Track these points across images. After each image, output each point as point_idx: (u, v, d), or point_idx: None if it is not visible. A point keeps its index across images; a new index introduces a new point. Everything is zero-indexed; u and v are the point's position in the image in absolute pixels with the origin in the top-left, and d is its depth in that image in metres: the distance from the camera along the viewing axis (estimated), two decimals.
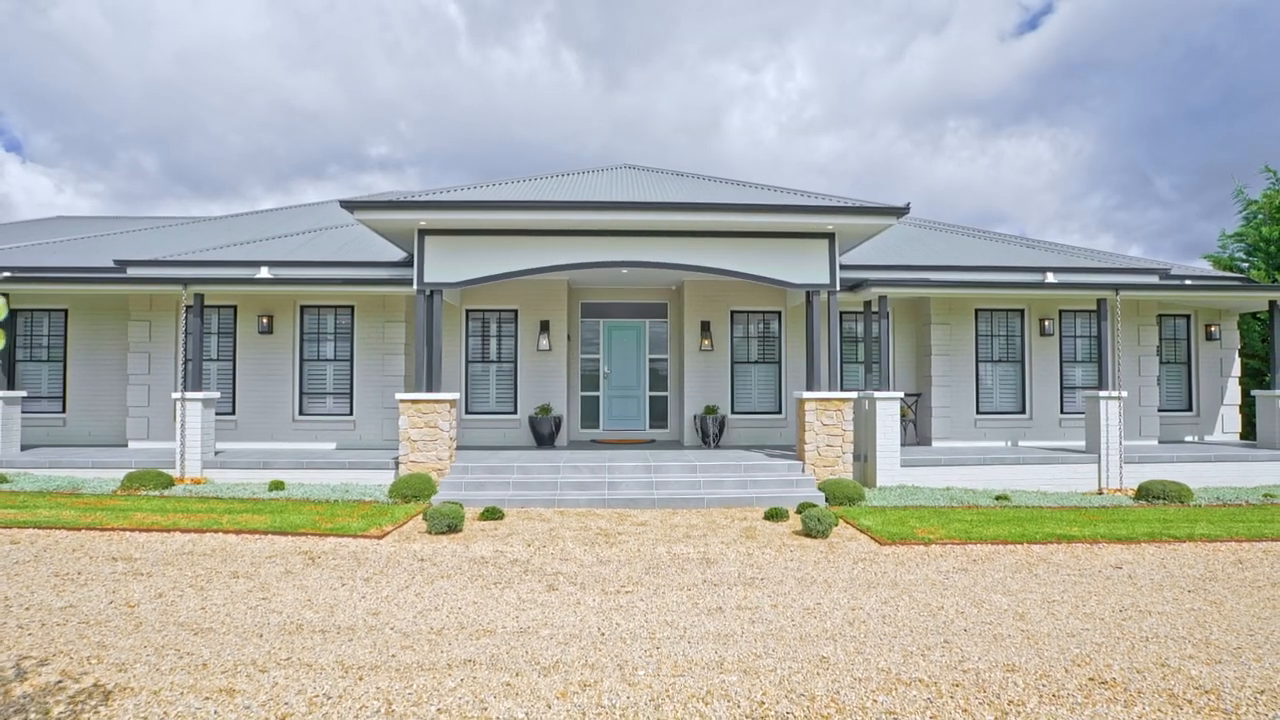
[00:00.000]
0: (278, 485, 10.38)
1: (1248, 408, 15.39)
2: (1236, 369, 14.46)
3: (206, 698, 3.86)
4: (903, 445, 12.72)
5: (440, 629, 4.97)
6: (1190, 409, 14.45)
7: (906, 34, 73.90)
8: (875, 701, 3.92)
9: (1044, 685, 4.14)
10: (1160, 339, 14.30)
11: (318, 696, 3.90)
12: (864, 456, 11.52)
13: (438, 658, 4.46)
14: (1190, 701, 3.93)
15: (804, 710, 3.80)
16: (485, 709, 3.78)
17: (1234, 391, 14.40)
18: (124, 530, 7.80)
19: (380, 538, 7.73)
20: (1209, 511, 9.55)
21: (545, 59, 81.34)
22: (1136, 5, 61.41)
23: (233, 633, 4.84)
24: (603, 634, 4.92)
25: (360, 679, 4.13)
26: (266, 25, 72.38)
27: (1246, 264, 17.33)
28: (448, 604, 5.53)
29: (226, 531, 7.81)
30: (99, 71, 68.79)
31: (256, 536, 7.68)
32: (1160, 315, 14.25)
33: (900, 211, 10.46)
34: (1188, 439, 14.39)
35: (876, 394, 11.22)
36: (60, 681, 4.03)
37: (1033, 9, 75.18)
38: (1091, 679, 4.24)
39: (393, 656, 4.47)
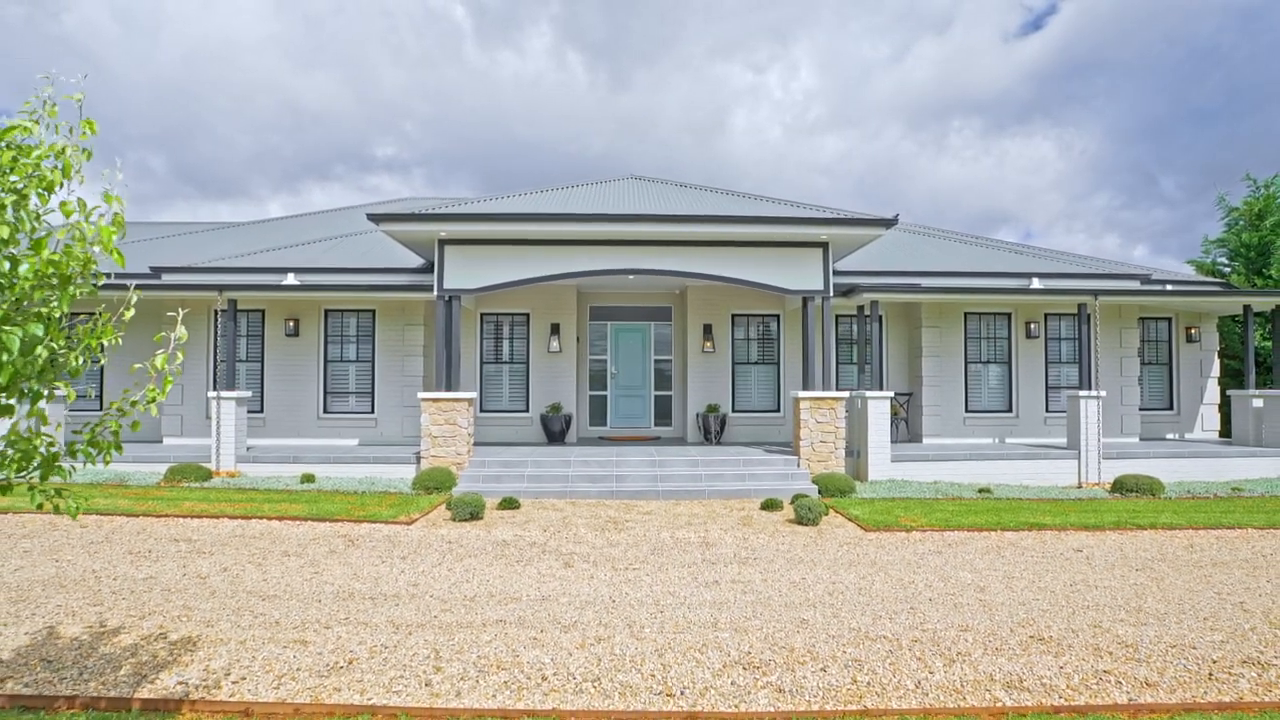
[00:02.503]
0: (309, 478, 11.17)
1: (1226, 407, 16.01)
2: (1216, 370, 15.11)
3: (285, 646, 4.63)
4: (895, 442, 13.42)
5: (473, 597, 5.74)
6: (1171, 408, 15.12)
7: (910, 34, 74.40)
8: (844, 652, 4.66)
9: (990, 641, 4.87)
10: (1142, 341, 14.96)
11: (376, 646, 4.66)
12: (857, 452, 12.23)
13: (473, 618, 5.22)
14: (1110, 653, 4.66)
15: (783, 658, 4.55)
16: (517, 656, 4.53)
17: (1213, 391, 15.06)
18: (177, 517, 8.59)
19: (410, 524, 8.50)
20: (1176, 503, 10.24)
21: (551, 60, 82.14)
22: (1139, 6, 61.82)
23: (295, 599, 5.61)
24: (614, 601, 5.67)
25: (409, 634, 4.89)
26: (273, 27, 73.42)
27: (1228, 269, 17.97)
28: (477, 577, 6.29)
29: (269, 518, 8.59)
30: (107, 73, 69.84)
31: (298, 522, 8.47)
32: (1142, 318, 14.91)
33: (889, 223, 11.18)
34: (1169, 436, 15.05)
35: (868, 393, 11.93)
36: (159, 633, 4.81)
37: (1036, 10, 75.60)
38: (1032, 637, 4.96)
39: (434, 617, 5.24)
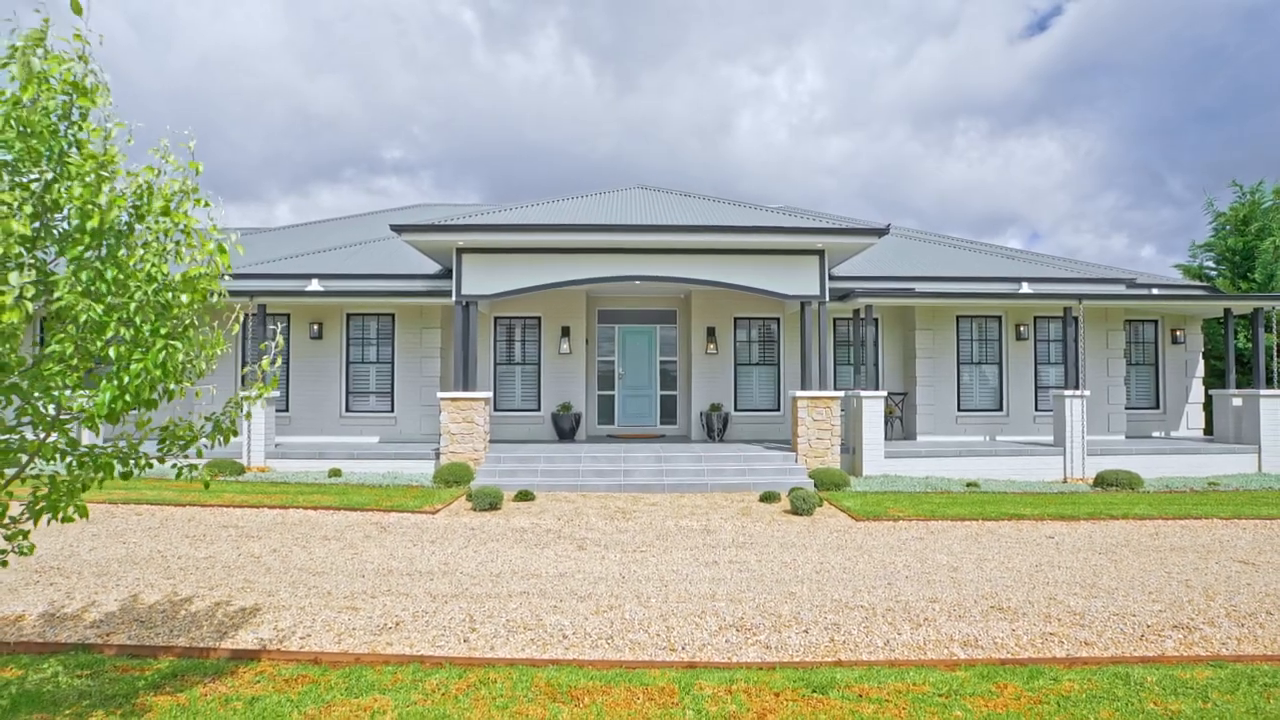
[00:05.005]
0: (336, 473, 11.90)
1: (1210, 406, 16.59)
2: (1200, 370, 15.69)
3: (339, 612, 5.34)
4: (889, 439, 14.07)
5: (498, 573, 6.44)
6: (1158, 407, 15.70)
7: (915, 36, 74.87)
8: (825, 618, 5.33)
9: (955, 610, 5.54)
10: (1129, 342, 15.56)
11: (418, 612, 5.36)
12: (852, 449, 12.88)
13: (500, 590, 5.92)
14: (1059, 620, 5.32)
15: (772, 622, 5.23)
16: (540, 620, 5.23)
17: (1198, 391, 15.64)
18: (221, 506, 9.34)
19: (434, 513, 9.22)
20: (1152, 496, 10.85)
21: (558, 63, 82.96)
22: (1144, 7, 62.12)
23: (341, 574, 6.33)
24: (623, 577, 6.36)
25: (445, 603, 5.60)
26: (284, 32, 74.48)
27: (1215, 272, 18.53)
28: (501, 558, 7.00)
29: (305, 508, 9.32)
30: (122, 79, 71.11)
31: (331, 511, 9.19)
32: (1129, 320, 15.50)
33: (881, 232, 11.83)
34: (1155, 434, 15.64)
35: (863, 393, 12.58)
36: (228, 601, 5.53)
37: (1041, 11, 75.93)
38: (992, 606, 5.63)
39: (465, 590, 5.94)
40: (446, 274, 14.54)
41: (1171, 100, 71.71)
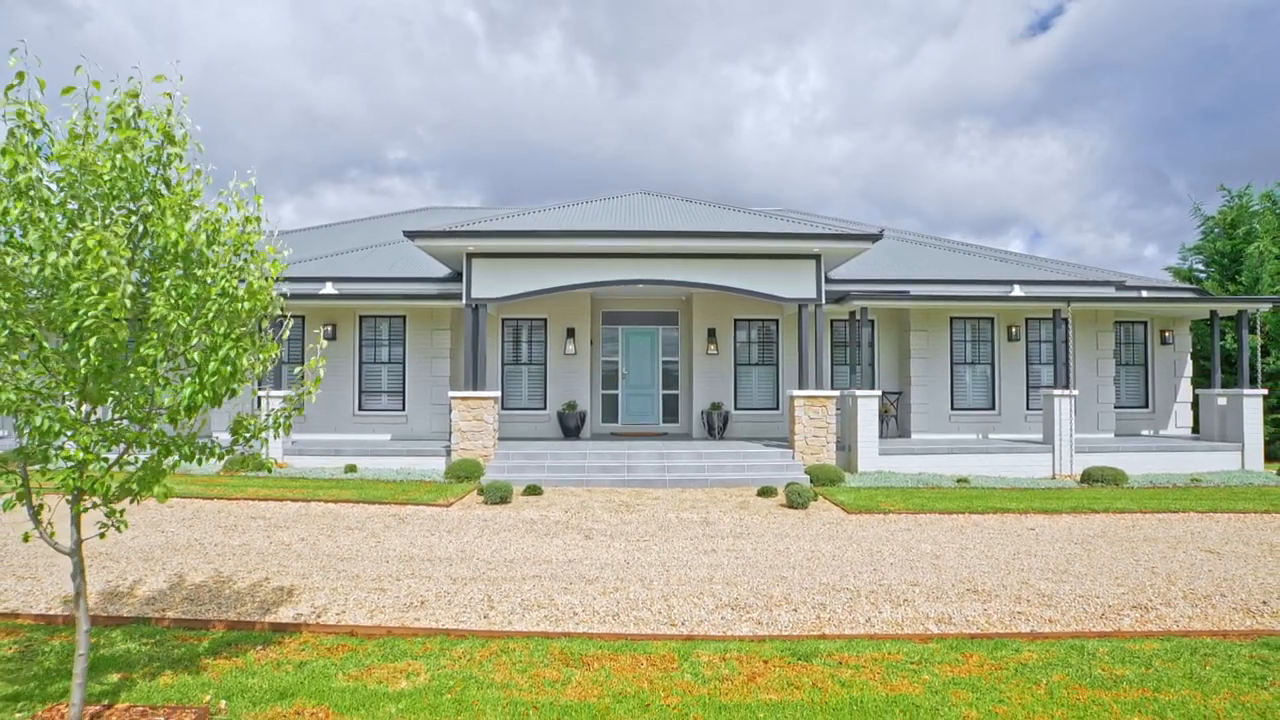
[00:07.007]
0: (352, 469, 12.41)
1: (1198, 405, 16.99)
2: (1189, 370, 16.12)
3: (368, 591, 5.83)
4: (884, 437, 14.54)
5: (512, 559, 6.93)
6: (1147, 406, 16.13)
7: (917, 36, 75.19)
8: (813, 599, 5.81)
9: (933, 592, 6.01)
10: (1119, 343, 15.99)
11: (440, 593, 5.86)
12: (848, 446, 13.34)
13: (514, 574, 6.42)
14: (1028, 600, 5.79)
15: (764, 602, 5.71)
16: (553, 600, 5.72)
17: (1186, 390, 16.06)
18: (246, 499, 9.84)
19: (448, 506, 9.72)
20: (1136, 492, 11.29)
21: (561, 64, 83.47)
22: (1145, 7, 62.38)
23: (366, 560, 6.83)
24: (628, 563, 6.84)
25: (464, 585, 6.09)
26: (290, 34, 75.09)
27: (1204, 275, 18.93)
28: (513, 546, 7.49)
29: (326, 501, 9.82)
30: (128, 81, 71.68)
31: (351, 504, 9.69)
32: (1118, 322, 15.93)
33: (875, 237, 12.29)
34: (1144, 433, 16.07)
35: (858, 392, 13.04)
36: (266, 582, 6.03)
37: (1042, 11, 76.18)
38: (968, 589, 6.10)
39: (482, 573, 6.43)
40: (456, 277, 15.04)
41: (1173, 100, 71.98)
